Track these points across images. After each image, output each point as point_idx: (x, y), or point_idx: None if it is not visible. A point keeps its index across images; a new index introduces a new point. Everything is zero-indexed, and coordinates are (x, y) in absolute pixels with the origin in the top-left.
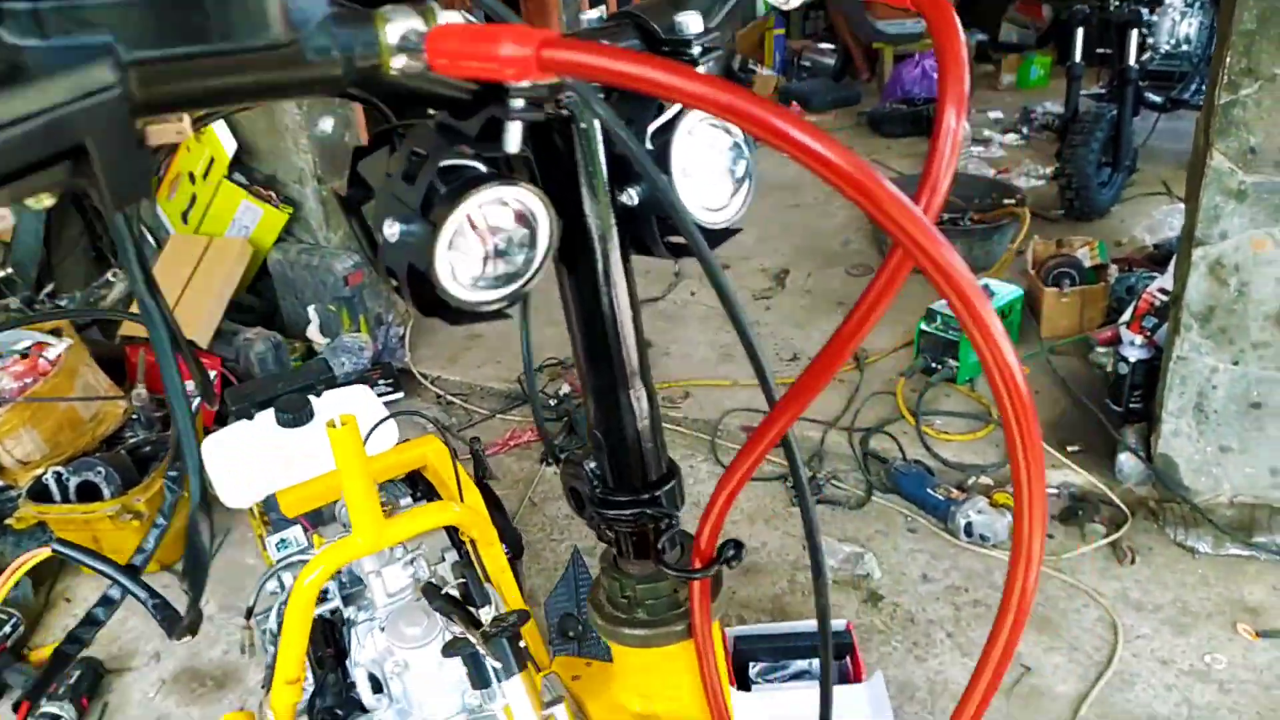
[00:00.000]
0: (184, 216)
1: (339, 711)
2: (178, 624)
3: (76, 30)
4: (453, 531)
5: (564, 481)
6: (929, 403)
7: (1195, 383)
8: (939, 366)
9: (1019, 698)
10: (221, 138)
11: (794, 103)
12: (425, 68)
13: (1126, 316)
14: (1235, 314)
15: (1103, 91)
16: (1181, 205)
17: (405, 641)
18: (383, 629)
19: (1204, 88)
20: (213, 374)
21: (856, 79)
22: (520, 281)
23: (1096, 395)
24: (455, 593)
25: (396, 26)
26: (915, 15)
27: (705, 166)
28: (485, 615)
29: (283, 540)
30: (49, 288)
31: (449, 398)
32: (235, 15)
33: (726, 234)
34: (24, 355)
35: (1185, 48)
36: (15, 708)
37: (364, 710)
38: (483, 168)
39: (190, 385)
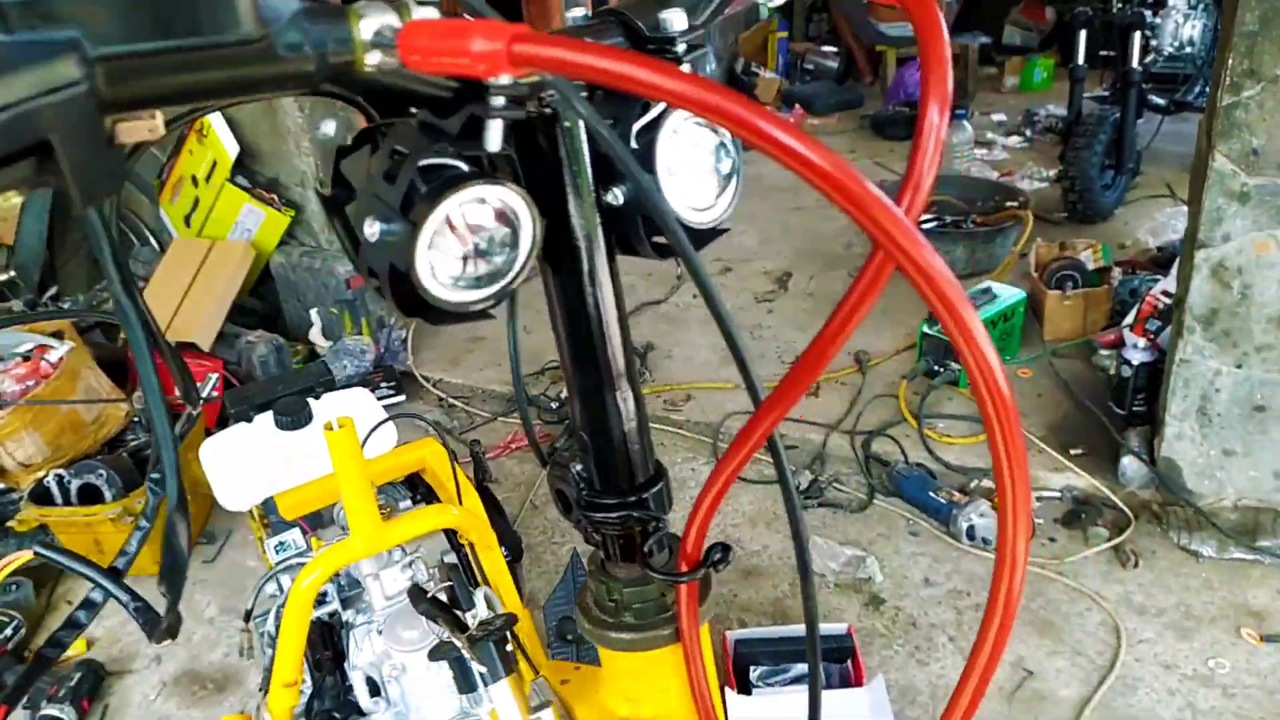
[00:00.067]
0: (186, 220)
1: (336, 715)
2: (158, 627)
3: (41, 25)
4: (452, 534)
5: (551, 484)
6: (931, 405)
7: (1198, 386)
8: (941, 369)
9: (1021, 702)
10: (224, 141)
11: (796, 105)
12: (400, 64)
13: (1129, 319)
14: (1238, 317)
15: (1106, 94)
16: (1185, 208)
17: (402, 644)
18: (380, 632)
19: (1208, 90)
20: (214, 377)
21: (859, 82)
22: (504, 281)
23: (1099, 398)
24: (444, 596)
25: (370, 22)
26: None
27: (691, 165)
28: (474, 618)
29: (281, 543)
30: (52, 290)
31: (451, 400)
32: (205, 10)
33: (714, 234)
34: (26, 358)
35: (1189, 50)
36: None
37: (361, 713)
38: (464, 167)
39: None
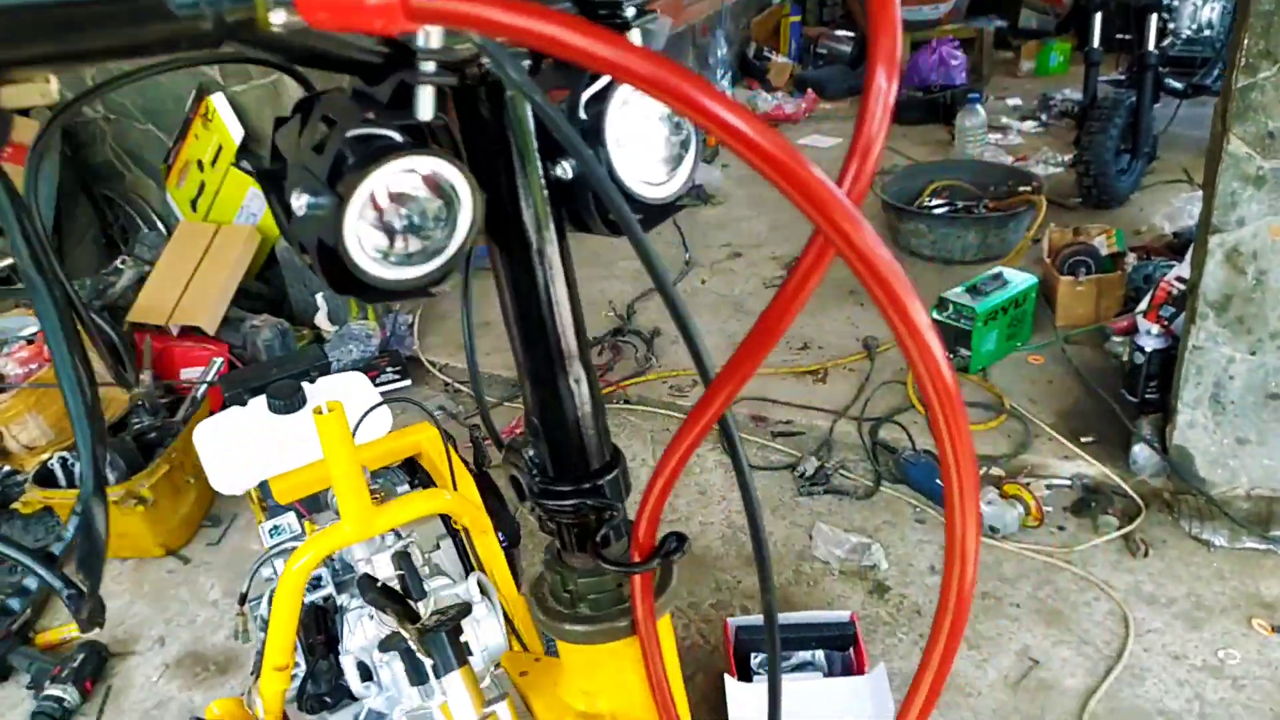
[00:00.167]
0: (193, 204)
1: (328, 699)
2: (93, 614)
3: None
4: (448, 519)
5: (506, 470)
6: None
7: (1212, 373)
8: (951, 355)
9: (1026, 691)
10: (229, 125)
11: (809, 90)
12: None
13: (1143, 305)
14: (1253, 303)
15: (1122, 78)
16: (1201, 193)
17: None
18: (372, 616)
19: None
20: (218, 361)
21: None
22: (443, 259)
23: (1111, 385)
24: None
25: None
26: (933, 1)
27: (643, 138)
28: (430, 607)
29: (276, 527)
30: None
31: (456, 385)
32: None
33: (670, 209)
34: (29, 341)
35: (1207, 33)
36: None
37: (353, 698)
38: (398, 137)
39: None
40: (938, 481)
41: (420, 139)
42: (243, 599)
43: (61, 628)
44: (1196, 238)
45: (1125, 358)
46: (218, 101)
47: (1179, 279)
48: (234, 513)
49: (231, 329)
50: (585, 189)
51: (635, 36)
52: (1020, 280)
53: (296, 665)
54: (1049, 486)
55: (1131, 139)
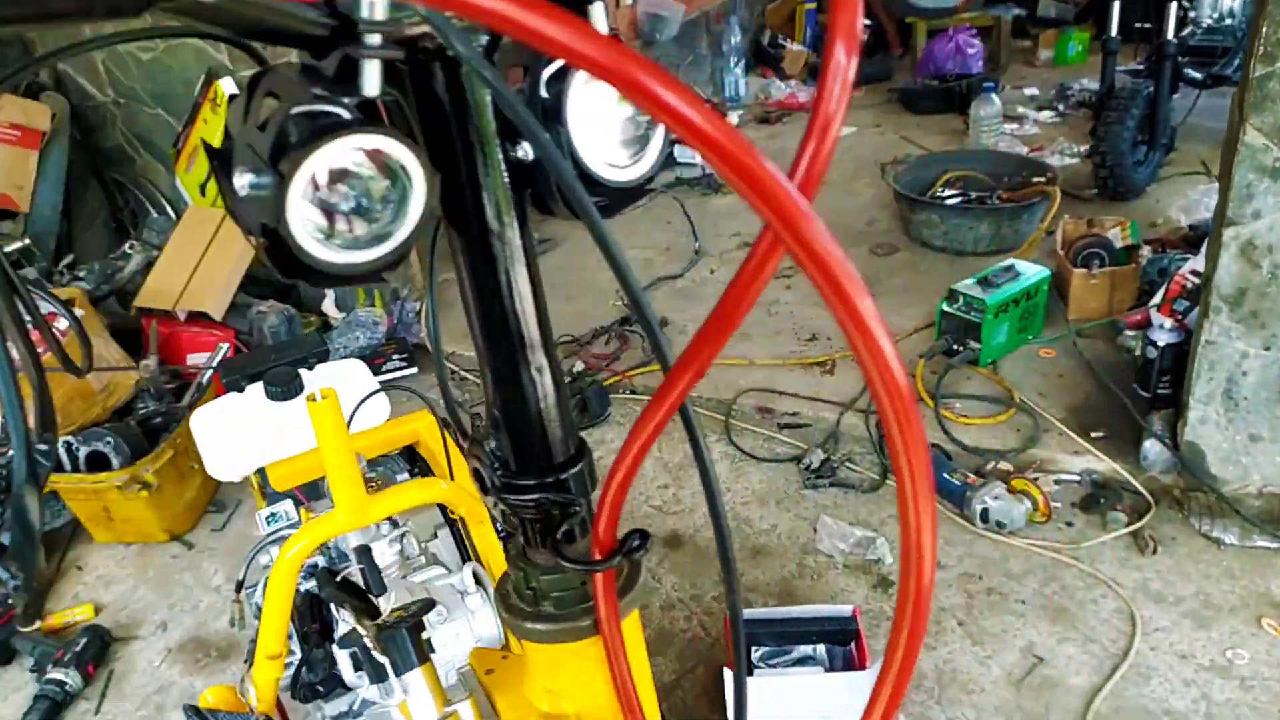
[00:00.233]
0: (202, 189)
1: (321, 688)
2: (29, 606)
3: None
4: (444, 508)
5: (469, 463)
6: (949, 385)
7: (1224, 368)
8: (961, 348)
9: (1030, 689)
10: None
11: None
12: None
13: (1157, 299)
14: (1268, 297)
15: (1140, 68)
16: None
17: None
18: None
19: None
20: (224, 346)
21: (889, 54)
22: (395, 243)
23: (1123, 380)
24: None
25: None
26: None
27: (608, 118)
28: (390, 603)
29: (273, 514)
30: (68, 259)
31: (463, 373)
32: None
33: (637, 193)
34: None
35: (1229, 22)
36: None
37: (347, 688)
38: (346, 114)
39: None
40: (944, 475)
41: (371, 117)
42: (239, 586)
43: (65, 612)
44: (1211, 230)
45: (1138, 352)
46: (226, 85)
47: (1194, 272)
48: (239, 498)
49: (238, 315)
50: (547, 171)
51: (597, 14)
52: (1032, 272)
53: (291, 653)
54: (1058, 482)
55: (1149, 130)
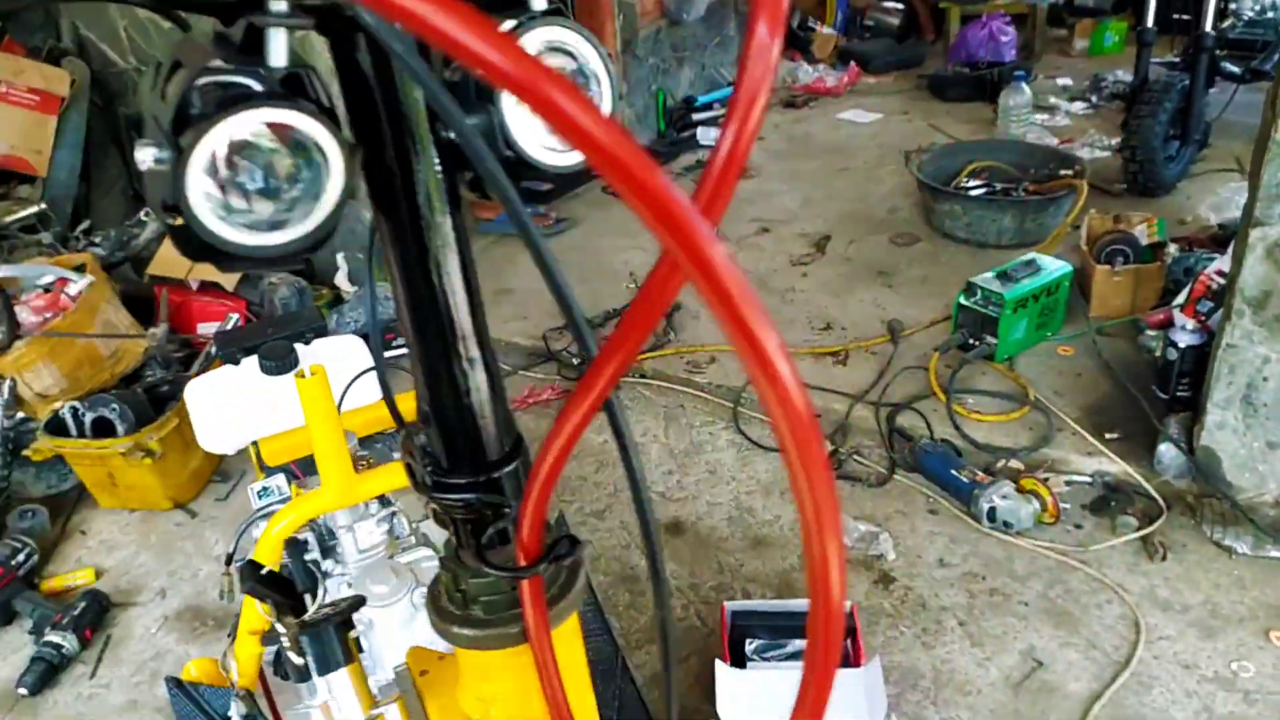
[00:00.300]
0: None
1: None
2: None
3: None
4: None
5: (402, 458)
6: (963, 380)
7: (1245, 373)
8: (977, 343)
9: (1028, 693)
10: None
11: (852, 63)
12: None
13: (1180, 299)
14: None
15: (1177, 60)
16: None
17: (372, 599)
18: (351, 585)
19: None
20: (234, 317)
21: (921, 39)
22: (311, 225)
23: (1142, 381)
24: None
25: None
26: None
27: None
28: (319, 599)
29: (265, 488)
30: (85, 224)
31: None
32: None
33: (579, 178)
34: (46, 290)
35: (1271, 15)
36: None
37: None
38: (257, 86)
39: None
40: (953, 472)
41: (290, 90)
42: (229, 559)
43: (66, 575)
44: (1238, 231)
45: (1158, 353)
46: None
47: (1219, 273)
48: (243, 469)
49: (250, 285)
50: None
51: None
52: (1054, 267)
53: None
54: (1068, 483)
55: (1182, 124)
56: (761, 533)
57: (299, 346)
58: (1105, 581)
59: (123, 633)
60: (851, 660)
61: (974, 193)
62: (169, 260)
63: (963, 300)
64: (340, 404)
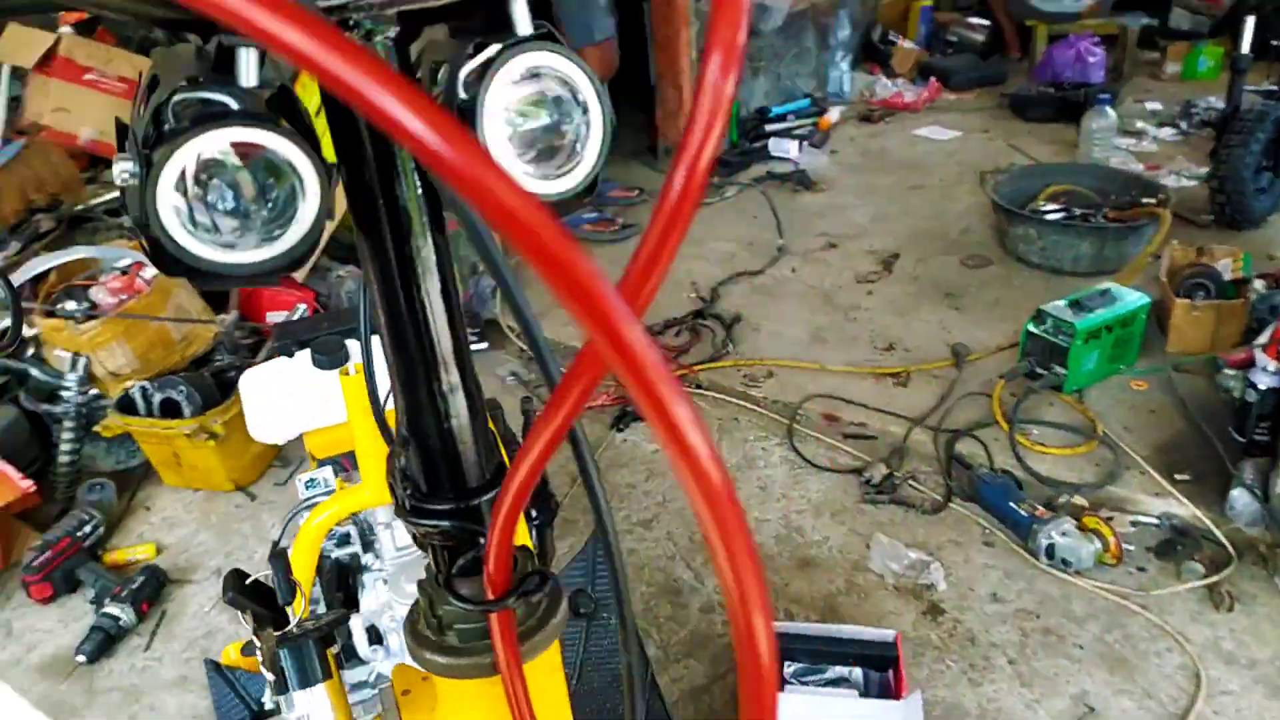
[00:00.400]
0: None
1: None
2: None
3: None
4: None
5: (387, 480)
6: (1028, 410)
7: None
8: (1044, 372)
9: None
10: None
11: (933, 79)
12: None
13: (1263, 339)
14: None
15: (1273, 88)
16: None
17: (405, 597)
18: (386, 581)
19: None
20: (302, 307)
21: (1006, 57)
22: (288, 245)
23: (1218, 422)
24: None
25: None
26: None
27: (530, 125)
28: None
29: (312, 479)
30: None
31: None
32: None
33: (570, 204)
34: (124, 272)
35: None
36: None
37: (361, 660)
38: (233, 104)
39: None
40: (1011, 505)
41: (279, 107)
42: (275, 547)
43: (128, 549)
44: None
45: (1236, 393)
46: None
47: None
48: (302, 456)
49: (319, 277)
50: None
51: (520, 11)
52: (1130, 299)
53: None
54: (1134, 523)
55: (1274, 155)
56: (809, 554)
57: (350, 342)
58: (1166, 629)
59: (177, 609)
60: (893, 692)
61: (1051, 217)
62: None
63: (1031, 328)
64: (385, 402)
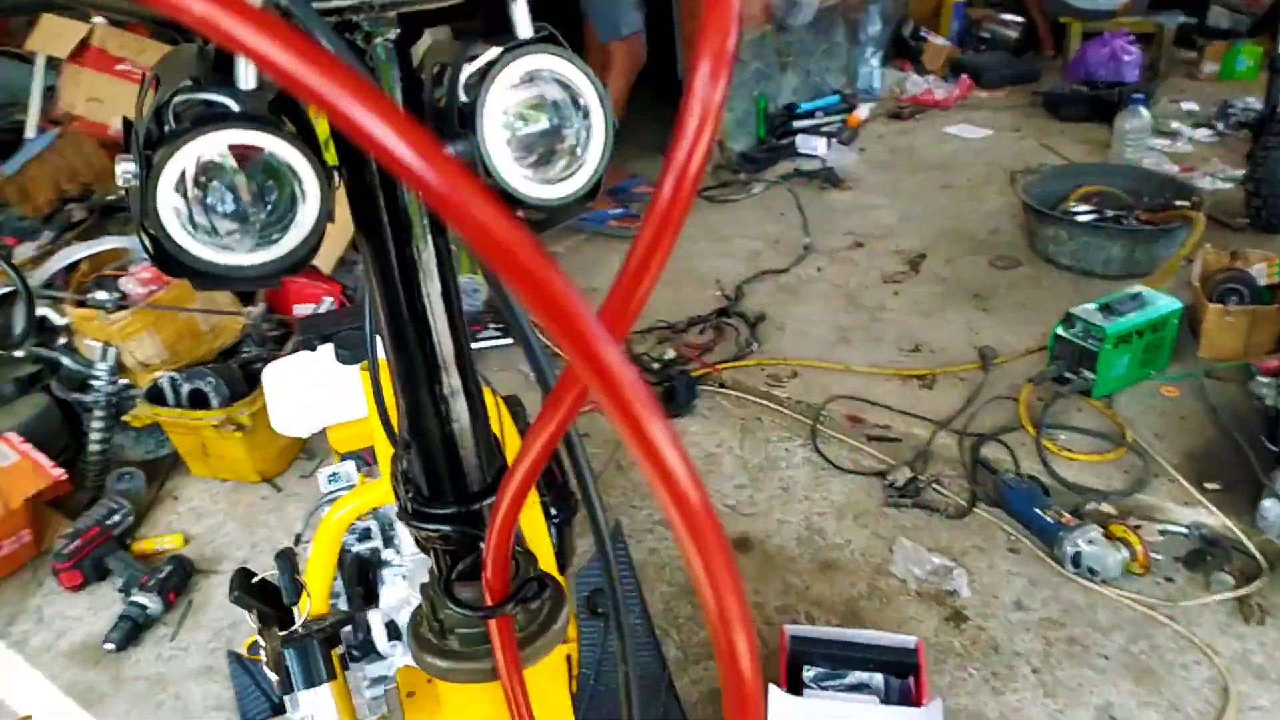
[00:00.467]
0: (325, 143)
1: (355, 652)
2: None
3: None
4: None
5: (390, 483)
6: (1055, 415)
7: None
8: (1073, 377)
9: None
10: None
11: (964, 75)
12: None
13: None
14: None
15: None
16: None
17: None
18: (405, 578)
19: None
20: (329, 300)
21: (1039, 55)
22: (288, 246)
23: (1250, 430)
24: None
25: None
26: None
27: (531, 129)
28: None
29: (334, 474)
30: None
31: (555, 349)
32: None
33: (568, 209)
34: None
35: None
36: None
37: (380, 656)
38: (234, 106)
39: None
40: (1037, 511)
41: (283, 109)
42: (297, 540)
43: (156, 538)
44: None
45: (1270, 401)
46: None
47: None
48: (328, 449)
49: (346, 270)
50: None
51: (520, 13)
52: (1161, 303)
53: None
54: (1162, 532)
55: None
56: (831, 556)
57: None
58: (1194, 641)
59: (203, 599)
60: (913, 699)
61: (1082, 218)
62: None
63: (1060, 331)
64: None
